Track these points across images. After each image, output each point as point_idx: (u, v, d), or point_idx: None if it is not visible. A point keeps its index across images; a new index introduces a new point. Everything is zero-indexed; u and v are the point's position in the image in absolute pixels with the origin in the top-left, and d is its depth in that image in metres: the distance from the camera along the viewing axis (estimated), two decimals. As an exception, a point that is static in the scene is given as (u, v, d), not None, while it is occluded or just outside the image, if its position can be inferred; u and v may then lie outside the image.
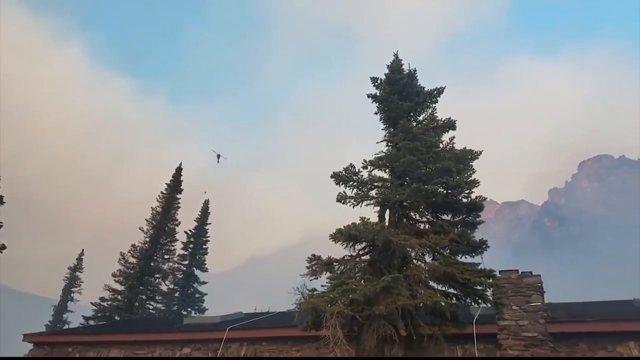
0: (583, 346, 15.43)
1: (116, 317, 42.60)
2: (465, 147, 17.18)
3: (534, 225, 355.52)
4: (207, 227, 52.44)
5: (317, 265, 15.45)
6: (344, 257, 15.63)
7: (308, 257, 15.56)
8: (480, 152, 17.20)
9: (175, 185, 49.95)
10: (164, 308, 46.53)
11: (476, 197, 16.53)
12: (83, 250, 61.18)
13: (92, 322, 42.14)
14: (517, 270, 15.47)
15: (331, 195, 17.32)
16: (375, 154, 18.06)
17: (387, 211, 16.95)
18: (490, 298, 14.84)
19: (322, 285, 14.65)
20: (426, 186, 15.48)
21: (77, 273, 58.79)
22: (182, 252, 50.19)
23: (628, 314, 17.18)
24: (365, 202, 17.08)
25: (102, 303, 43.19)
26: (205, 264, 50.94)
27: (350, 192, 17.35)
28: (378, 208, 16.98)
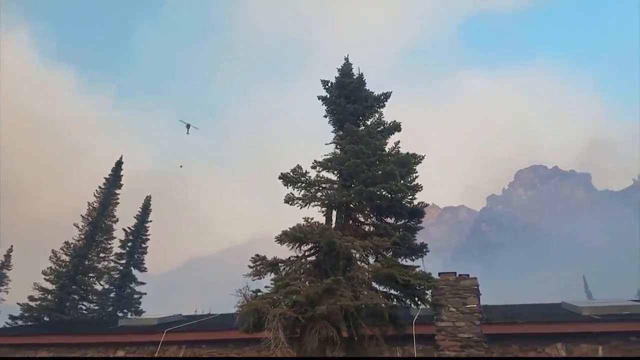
0: (515, 347, 16.18)
1: (46, 318, 40.25)
2: (408, 152, 17.55)
3: (472, 230, 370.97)
4: (147, 225, 49.79)
5: (262, 265, 15.24)
6: (289, 258, 15.52)
7: (252, 258, 15.34)
8: (423, 157, 17.63)
9: (114, 179, 47.66)
10: (97, 309, 44.33)
11: (418, 203, 17.00)
12: (12, 246, 57.24)
13: (19, 323, 39.57)
14: (455, 273, 16.00)
15: (281, 196, 17.21)
16: (324, 156, 18.15)
17: (334, 213, 17.03)
18: (429, 299, 15.22)
19: (266, 287, 14.48)
20: (370, 189, 15.70)
21: (5, 271, 54.90)
22: (120, 250, 47.86)
23: (556, 316, 18.23)
24: (312, 204, 17.06)
25: (30, 303, 40.64)
26: (144, 263, 48.67)
27: (298, 193, 17.28)
28: (325, 209, 17.04)
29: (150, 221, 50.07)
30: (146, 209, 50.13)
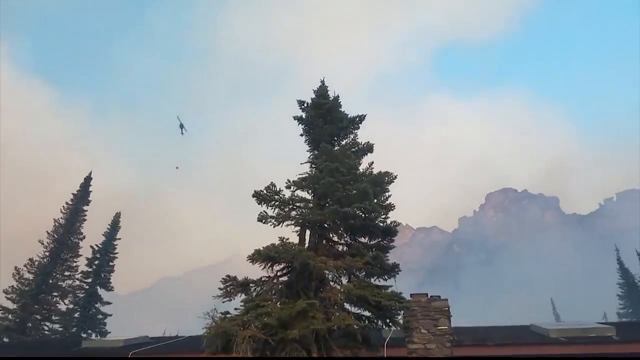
0: (485, 369, 16.21)
1: (5, 339, 38.43)
2: (381, 171, 17.71)
3: (444, 250, 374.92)
4: (115, 243, 48.10)
5: (232, 286, 14.95)
6: (261, 278, 15.31)
7: (223, 278, 15.05)
8: (396, 176, 17.82)
9: (82, 195, 46.28)
10: (61, 329, 42.57)
11: (391, 222, 17.10)
12: (-28, 265, 54.70)
13: (-24, 345, 37.59)
14: (427, 294, 16.03)
15: (254, 214, 17.04)
16: (299, 175, 18.16)
17: (308, 232, 16.95)
18: (401, 321, 15.18)
19: (236, 308, 14.17)
20: (345, 208, 15.73)
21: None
22: (86, 268, 46.20)
23: (525, 338, 18.45)
24: (286, 222, 16.96)
25: (-12, 323, 38.80)
26: (111, 282, 46.90)
27: (272, 211, 17.16)
28: (299, 228, 16.95)
29: (119, 239, 48.41)
30: (115, 226, 48.48)
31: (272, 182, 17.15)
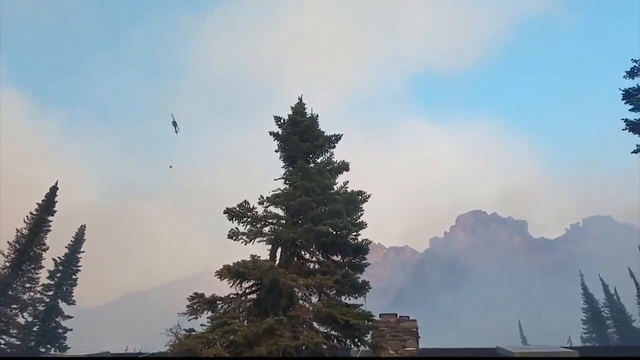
0: (451, 390, 16.24)
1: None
2: (354, 190, 17.81)
3: (415, 270, 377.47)
4: (79, 256, 46.44)
5: (199, 303, 14.63)
6: (229, 295, 15.04)
7: (190, 295, 14.73)
8: (370, 195, 17.95)
9: (47, 205, 44.70)
10: (18, 343, 40.67)
11: (363, 241, 17.12)
12: None
13: None
14: (396, 314, 16.06)
15: (225, 230, 16.80)
16: (273, 191, 18.07)
17: (279, 249, 16.82)
18: (369, 341, 15.11)
19: (202, 325, 13.86)
20: (317, 227, 15.71)
21: None
22: (48, 281, 44.44)
23: (491, 360, 18.54)
24: (258, 239, 16.79)
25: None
26: (73, 296, 45.20)
27: (243, 228, 16.97)
28: (270, 246, 16.80)
29: (83, 252, 46.77)
30: (79, 238, 46.79)
31: (245, 200, 16.99)
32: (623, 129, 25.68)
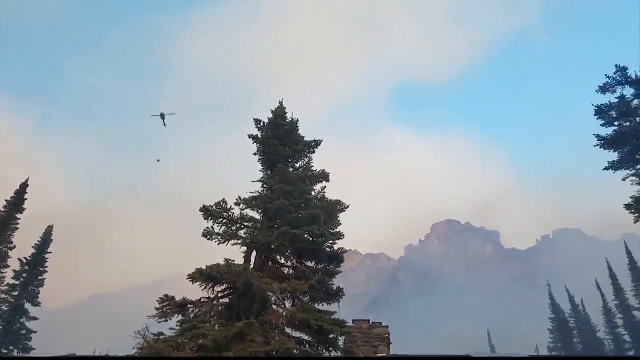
0: (421, 397, 16.33)
1: None
2: (333, 199, 17.84)
3: (390, 278, 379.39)
4: (47, 256, 44.89)
5: (169, 307, 14.35)
6: (200, 299, 14.80)
7: (160, 298, 14.44)
8: (348, 206, 18.03)
9: (16, 203, 43.27)
10: (-22, 344, 39.18)
11: (338, 249, 17.18)
12: None
13: None
14: (369, 320, 16.11)
15: (200, 232, 16.58)
16: (251, 193, 17.93)
17: (254, 253, 16.67)
18: (342, 347, 15.09)
19: (171, 329, 13.59)
20: (294, 231, 15.65)
21: None
22: (13, 281, 42.94)
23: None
24: (232, 242, 16.62)
25: None
26: (39, 297, 43.64)
27: (218, 228, 16.77)
28: (245, 248, 16.65)
29: (50, 252, 45.28)
30: (47, 239, 45.14)
31: (223, 199, 16.84)
32: (594, 145, 26.36)
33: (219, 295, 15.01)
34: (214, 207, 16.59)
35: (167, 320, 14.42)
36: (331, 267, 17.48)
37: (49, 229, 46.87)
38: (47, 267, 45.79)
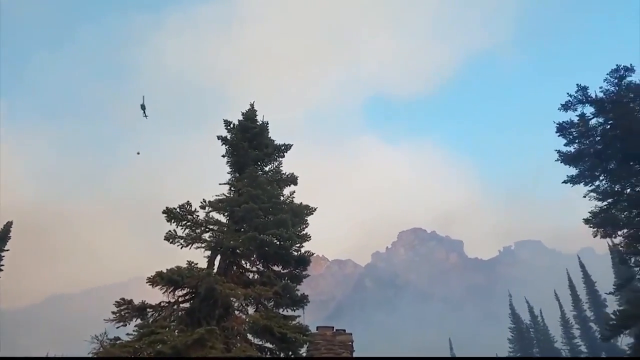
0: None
1: None
2: (301, 203, 17.77)
3: (356, 284, 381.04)
4: (3, 254, 43.11)
5: (127, 310, 13.88)
6: (160, 303, 14.38)
7: (117, 301, 13.95)
8: (315, 209, 17.96)
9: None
10: None
11: (305, 252, 17.05)
12: None
13: None
14: (333, 328, 16.03)
15: (162, 234, 16.16)
16: (217, 196, 17.63)
17: (218, 257, 16.39)
18: (304, 354, 14.97)
19: (128, 334, 13.15)
20: (261, 235, 15.48)
21: None
22: (-37, 279, 40.84)
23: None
24: (196, 245, 16.28)
25: None
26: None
27: (182, 231, 16.40)
28: (209, 252, 16.34)
29: (7, 250, 43.42)
30: (4, 236, 43.29)
31: (187, 201, 16.46)
32: (556, 160, 27.24)
33: (180, 299, 14.64)
34: (178, 210, 16.21)
35: (126, 325, 13.98)
36: (297, 271, 17.38)
37: (7, 226, 44.96)
38: (2, 265, 43.86)
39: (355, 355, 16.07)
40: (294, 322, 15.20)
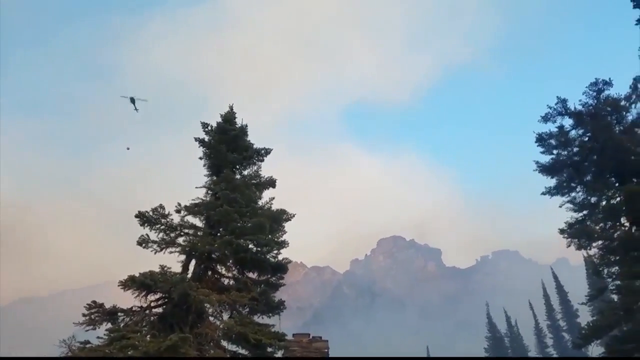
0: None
1: None
2: (279, 208, 17.53)
3: (334, 291, 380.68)
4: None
5: (98, 314, 13.43)
6: (132, 307, 13.96)
7: (87, 304, 13.50)
8: (294, 215, 17.74)
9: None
10: None
11: (283, 259, 16.80)
12: None
13: None
14: (309, 334, 15.84)
15: (136, 237, 15.73)
16: (192, 200, 17.26)
17: (193, 262, 16.01)
18: (279, 362, 14.73)
19: (98, 338, 12.71)
20: (238, 240, 15.19)
21: None
22: None
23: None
24: (170, 249, 15.88)
25: None
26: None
27: (155, 235, 15.97)
28: (184, 257, 15.96)
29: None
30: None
31: (160, 204, 16.03)
32: (534, 170, 27.64)
33: (152, 304, 14.23)
34: (151, 213, 15.76)
35: (95, 329, 13.52)
36: (274, 278, 17.10)
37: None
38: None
39: (331, 363, 15.87)
40: (269, 329, 14.92)
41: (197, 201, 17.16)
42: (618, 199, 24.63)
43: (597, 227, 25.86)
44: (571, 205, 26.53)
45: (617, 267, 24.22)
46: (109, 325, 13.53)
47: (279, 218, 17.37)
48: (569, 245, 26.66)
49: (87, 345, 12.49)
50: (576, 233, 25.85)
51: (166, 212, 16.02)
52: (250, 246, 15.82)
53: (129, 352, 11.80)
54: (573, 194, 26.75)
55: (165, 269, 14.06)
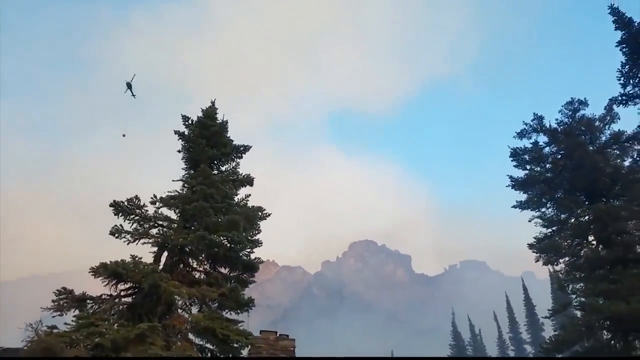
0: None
1: None
2: (255, 206, 17.66)
3: (305, 291, 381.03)
4: None
5: (66, 300, 13.35)
6: (101, 295, 13.90)
7: (57, 290, 13.40)
8: (270, 214, 17.91)
9: None
10: None
11: (255, 258, 17.00)
12: None
13: None
14: (276, 332, 15.98)
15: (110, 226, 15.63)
16: (168, 192, 17.23)
17: (165, 254, 16.01)
18: (245, 357, 14.85)
19: (66, 324, 12.62)
20: (212, 235, 15.26)
21: None
22: None
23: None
24: (143, 240, 15.84)
25: None
26: None
27: (129, 226, 15.91)
28: (156, 249, 15.94)
29: None
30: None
31: (135, 195, 15.96)
32: (507, 185, 28.33)
33: (122, 293, 14.21)
34: (125, 203, 15.70)
35: (63, 315, 13.42)
36: (245, 276, 17.25)
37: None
38: None
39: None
40: (237, 325, 15.04)
41: (173, 194, 17.12)
42: (587, 217, 25.32)
43: (565, 244, 26.53)
44: (541, 221, 27.26)
45: (581, 284, 24.73)
46: (77, 312, 13.44)
47: (255, 215, 17.51)
48: (537, 260, 27.22)
49: (54, 331, 12.38)
50: (544, 248, 26.49)
51: (141, 204, 15.97)
52: (224, 241, 15.87)
53: (96, 339, 11.79)
54: (543, 210, 27.49)
55: (137, 259, 14.04)
